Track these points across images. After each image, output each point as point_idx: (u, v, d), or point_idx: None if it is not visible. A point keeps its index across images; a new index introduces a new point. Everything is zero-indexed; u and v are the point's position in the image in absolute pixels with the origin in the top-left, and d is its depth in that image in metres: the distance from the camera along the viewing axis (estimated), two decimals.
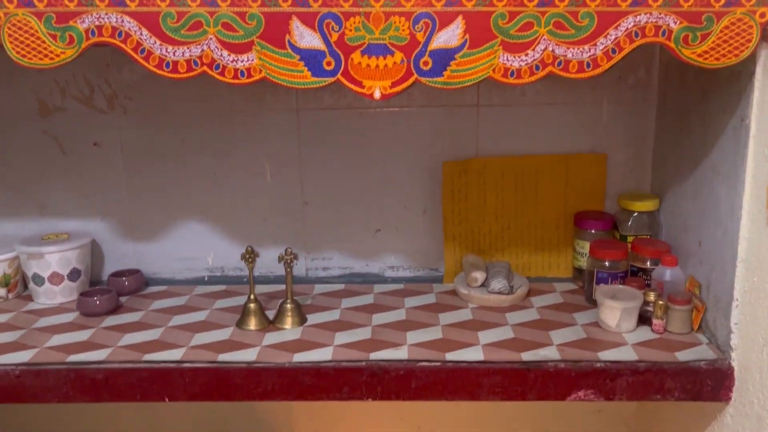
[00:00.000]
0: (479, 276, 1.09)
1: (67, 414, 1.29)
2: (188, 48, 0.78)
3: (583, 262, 1.11)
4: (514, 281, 1.10)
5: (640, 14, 0.76)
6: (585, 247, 1.10)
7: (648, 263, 1.03)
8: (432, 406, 1.27)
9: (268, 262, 1.18)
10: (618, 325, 0.96)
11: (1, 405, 1.25)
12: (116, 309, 1.07)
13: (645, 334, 0.96)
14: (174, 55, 0.78)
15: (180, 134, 1.14)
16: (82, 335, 0.99)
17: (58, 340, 0.97)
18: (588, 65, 0.78)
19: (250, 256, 1.00)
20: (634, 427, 1.26)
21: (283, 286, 1.14)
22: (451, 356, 0.91)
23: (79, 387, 0.90)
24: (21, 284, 1.14)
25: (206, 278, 1.20)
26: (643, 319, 0.97)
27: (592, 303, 1.05)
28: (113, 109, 1.13)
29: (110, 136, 1.14)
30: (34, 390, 0.90)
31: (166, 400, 0.91)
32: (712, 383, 0.88)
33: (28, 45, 0.77)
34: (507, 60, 0.78)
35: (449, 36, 0.77)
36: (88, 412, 1.29)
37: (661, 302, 0.95)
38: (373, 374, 0.90)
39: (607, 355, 0.90)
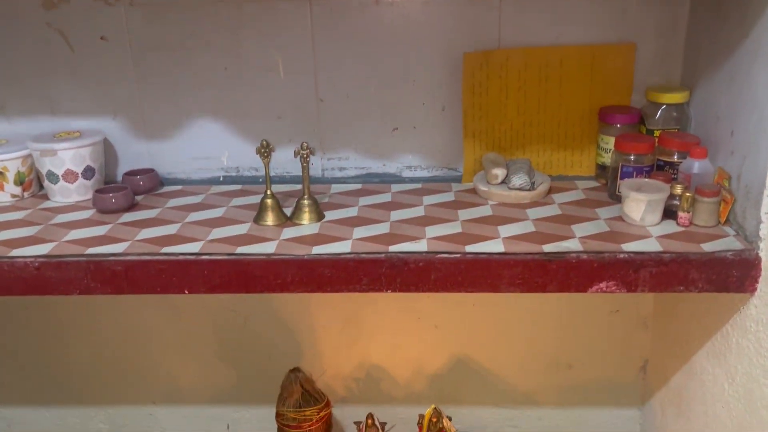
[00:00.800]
0: (500, 173, 1.06)
1: (87, 314, 1.32)
2: None
3: (607, 158, 1.08)
4: (535, 178, 1.08)
5: None
6: (609, 142, 1.07)
7: (675, 156, 1.00)
8: (448, 307, 1.28)
9: (284, 162, 1.16)
10: (642, 218, 0.94)
11: (23, 298, 1.28)
12: (132, 206, 1.07)
13: (670, 227, 0.93)
14: None
15: (188, 27, 1.10)
16: (100, 230, 0.98)
17: (75, 234, 0.97)
18: None
19: (265, 150, 0.98)
20: (653, 326, 1.26)
21: (299, 186, 1.12)
22: (471, 249, 0.90)
23: (100, 279, 0.90)
24: (36, 184, 1.13)
25: (221, 178, 1.19)
26: (669, 212, 0.95)
27: (616, 199, 1.03)
28: (118, 0, 1.08)
29: (117, 29, 1.10)
30: (54, 282, 0.90)
31: (186, 292, 0.91)
32: (737, 274, 0.86)
33: None
34: None
35: None
36: (108, 313, 1.31)
37: (688, 194, 0.92)
38: (392, 266, 0.89)
39: (631, 246, 0.88)
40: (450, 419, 1.21)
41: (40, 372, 1.37)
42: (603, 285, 0.88)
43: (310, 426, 1.19)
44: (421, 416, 1.22)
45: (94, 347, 1.35)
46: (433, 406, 1.19)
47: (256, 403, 1.37)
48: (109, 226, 1.00)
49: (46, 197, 1.12)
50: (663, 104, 1.04)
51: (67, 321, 1.32)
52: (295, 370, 1.22)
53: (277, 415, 1.22)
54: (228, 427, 1.40)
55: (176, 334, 1.33)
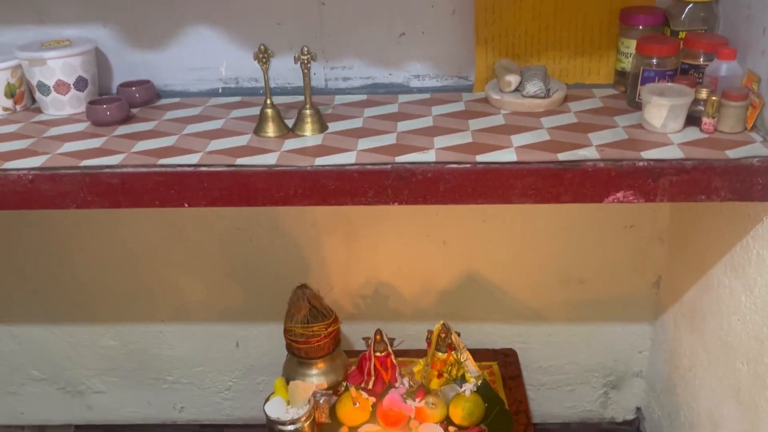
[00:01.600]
0: (513, 79, 1.01)
1: (94, 233, 1.30)
2: None
3: (627, 64, 1.01)
4: (551, 85, 1.02)
5: None
6: (630, 45, 1.00)
7: (701, 59, 0.93)
8: (457, 223, 1.25)
9: (284, 72, 1.10)
10: (664, 125, 0.89)
11: (29, 215, 1.26)
12: (127, 119, 1.02)
13: (693, 134, 0.88)
14: None
15: None
16: (94, 143, 0.95)
17: (69, 147, 0.93)
18: None
19: (263, 56, 0.92)
20: (668, 241, 1.23)
21: (301, 97, 1.07)
22: (482, 158, 0.86)
23: (95, 192, 0.87)
24: (28, 97, 1.09)
25: (220, 90, 1.13)
26: (693, 119, 0.90)
27: (635, 106, 0.97)
28: None
29: None
30: (49, 195, 0.87)
31: (186, 205, 0.88)
32: (763, 181, 0.81)
33: None
34: None
35: None
36: (115, 232, 1.30)
37: (713, 99, 0.86)
38: (399, 177, 0.85)
39: (651, 154, 0.84)
40: (459, 335, 1.20)
41: (49, 290, 1.37)
42: (620, 194, 0.84)
43: (318, 341, 1.19)
44: (430, 332, 1.21)
45: (102, 266, 1.34)
46: (441, 322, 1.18)
47: (263, 319, 1.37)
48: (103, 139, 0.96)
49: (39, 111, 1.07)
50: (690, 3, 0.97)
51: (76, 239, 1.31)
52: (302, 286, 1.21)
53: (286, 331, 1.21)
54: (237, 345, 1.41)
55: (183, 253, 1.31)
